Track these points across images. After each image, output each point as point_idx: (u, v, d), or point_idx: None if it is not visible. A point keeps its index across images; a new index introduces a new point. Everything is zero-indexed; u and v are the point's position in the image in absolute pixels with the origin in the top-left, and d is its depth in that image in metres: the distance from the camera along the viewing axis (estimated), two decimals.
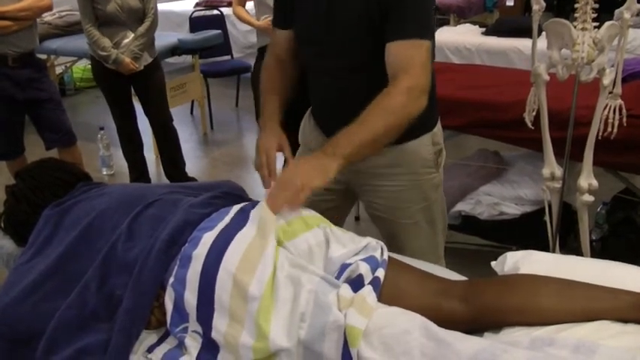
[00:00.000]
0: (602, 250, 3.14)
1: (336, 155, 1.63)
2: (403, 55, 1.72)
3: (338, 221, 1.98)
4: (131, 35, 4.01)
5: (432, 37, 1.78)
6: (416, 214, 2.01)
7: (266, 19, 4.24)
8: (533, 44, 2.50)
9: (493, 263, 1.63)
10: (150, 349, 1.49)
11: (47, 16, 5.85)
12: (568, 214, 2.95)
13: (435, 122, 2.02)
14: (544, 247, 2.63)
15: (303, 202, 1.59)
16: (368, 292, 1.40)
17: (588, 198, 2.43)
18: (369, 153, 1.75)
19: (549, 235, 2.66)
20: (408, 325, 1.30)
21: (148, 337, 1.52)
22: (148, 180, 4.59)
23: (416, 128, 1.85)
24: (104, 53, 3.93)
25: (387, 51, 1.74)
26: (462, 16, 7.82)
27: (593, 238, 3.15)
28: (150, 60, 4.14)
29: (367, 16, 1.75)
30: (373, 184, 2.02)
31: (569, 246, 3.06)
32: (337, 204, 2.14)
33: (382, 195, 2.02)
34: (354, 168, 1.91)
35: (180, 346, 1.46)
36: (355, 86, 1.88)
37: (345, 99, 1.92)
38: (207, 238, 1.49)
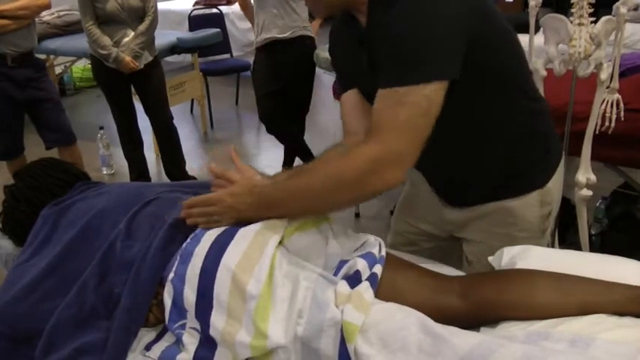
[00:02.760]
0: (602, 245, 3.14)
1: (256, 192, 1.51)
2: (377, 110, 1.39)
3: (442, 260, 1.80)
4: (131, 34, 4.01)
5: (434, 76, 1.34)
6: None
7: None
8: (530, 40, 2.51)
9: (490, 258, 1.63)
10: (148, 347, 1.50)
11: (46, 16, 5.85)
12: (567, 209, 2.95)
13: (551, 174, 1.67)
14: (551, 234, 2.63)
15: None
16: (365, 288, 1.40)
17: (586, 192, 2.44)
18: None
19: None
20: (405, 320, 1.31)
21: (146, 335, 1.53)
22: (148, 179, 4.60)
23: (519, 184, 1.64)
24: (104, 52, 3.94)
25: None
26: None
27: (593, 232, 3.15)
28: (150, 59, 4.14)
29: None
30: (468, 239, 1.80)
31: (569, 240, 3.05)
32: (441, 248, 1.92)
33: (480, 251, 1.75)
34: (447, 221, 1.80)
35: (178, 343, 1.46)
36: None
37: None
38: (210, 235, 1.49)
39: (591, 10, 2.25)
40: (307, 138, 4.47)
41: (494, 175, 1.63)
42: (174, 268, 1.48)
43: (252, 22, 4.50)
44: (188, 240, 1.51)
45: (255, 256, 1.42)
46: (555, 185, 1.69)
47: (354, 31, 1.59)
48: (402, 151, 1.36)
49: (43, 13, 4.38)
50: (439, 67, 1.35)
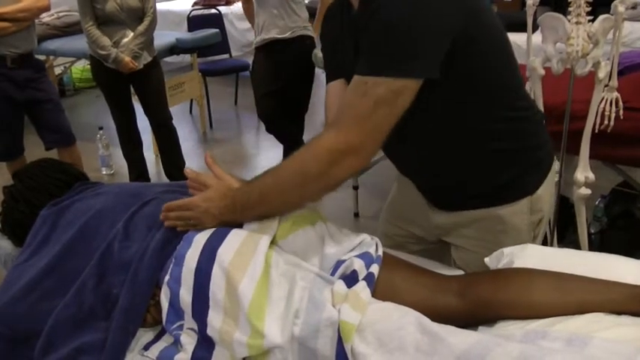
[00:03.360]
0: (601, 244, 3.14)
1: (229, 196, 1.53)
2: (344, 98, 1.40)
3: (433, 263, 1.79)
4: (130, 34, 4.02)
5: (408, 74, 1.31)
6: None
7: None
8: (528, 38, 2.51)
9: (486, 259, 1.61)
10: (146, 347, 1.50)
11: (46, 17, 5.87)
12: (566, 208, 2.95)
13: (541, 181, 1.63)
14: (543, 240, 2.63)
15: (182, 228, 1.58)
16: (362, 287, 1.40)
17: (585, 191, 2.44)
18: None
19: (547, 228, 2.66)
20: (401, 320, 1.31)
21: (145, 335, 1.53)
22: (147, 179, 4.60)
23: (507, 191, 1.60)
24: (104, 52, 3.94)
25: None
26: None
27: (592, 231, 3.15)
28: (149, 59, 4.15)
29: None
30: (455, 244, 1.78)
31: (568, 239, 3.06)
32: (430, 250, 1.90)
33: (466, 258, 1.75)
34: (434, 224, 1.77)
35: (176, 344, 1.47)
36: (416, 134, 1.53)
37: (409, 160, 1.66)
38: (201, 237, 1.50)
39: (589, 9, 2.25)
40: (306, 138, 4.48)
41: (482, 182, 1.59)
42: (169, 270, 1.48)
43: (253, 24, 4.51)
44: (181, 242, 1.51)
45: (248, 253, 1.43)
46: (546, 192, 1.65)
47: (347, 17, 1.57)
48: (360, 142, 1.35)
49: (43, 15, 4.38)
50: (416, 65, 1.31)
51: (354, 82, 1.36)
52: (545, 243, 2.59)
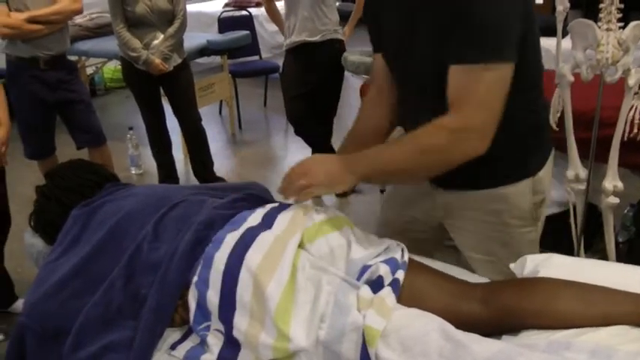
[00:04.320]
0: (629, 253, 3.11)
1: (353, 171, 1.57)
2: (458, 85, 1.48)
3: (430, 254, 1.84)
4: (160, 36, 4.06)
5: (509, 57, 1.46)
6: (502, 271, 1.74)
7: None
8: (558, 44, 2.49)
9: (512, 265, 1.62)
10: (173, 347, 1.52)
11: (78, 19, 5.94)
12: (594, 216, 2.92)
13: (541, 165, 1.74)
14: (570, 249, 2.61)
15: (304, 200, 1.61)
16: (387, 293, 1.41)
17: (613, 200, 2.41)
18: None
19: (574, 237, 2.64)
20: (426, 326, 1.31)
21: (172, 335, 1.56)
22: (176, 179, 4.64)
23: (512, 172, 1.70)
24: (134, 54, 3.99)
25: (448, 75, 1.50)
26: None
27: (620, 240, 3.12)
28: (179, 61, 4.19)
29: (442, 27, 1.50)
30: (457, 226, 1.84)
31: (595, 248, 3.03)
32: (429, 236, 1.97)
33: (467, 241, 1.83)
34: (438, 206, 1.83)
35: (203, 344, 1.49)
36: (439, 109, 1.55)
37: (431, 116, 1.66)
38: (230, 239, 1.52)
39: (620, 15, 2.23)
40: (334, 141, 4.48)
41: (493, 161, 1.58)
42: (197, 272, 1.50)
43: (279, 26, 4.52)
44: (210, 244, 1.53)
45: (276, 257, 1.44)
46: (546, 175, 1.75)
47: None
48: (481, 123, 1.48)
49: (76, 16, 4.44)
50: (512, 50, 1.46)
51: (466, 70, 1.46)
52: (571, 250, 2.59)
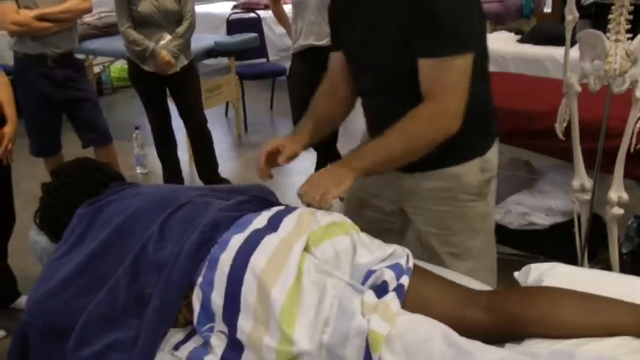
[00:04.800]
0: (633, 264, 3.10)
1: (352, 167, 1.71)
2: (430, 76, 1.68)
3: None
4: (167, 37, 4.06)
5: (470, 48, 1.67)
6: (459, 244, 1.95)
7: None
8: (566, 54, 2.49)
9: (516, 274, 1.63)
10: (176, 347, 1.52)
11: (86, 17, 5.95)
12: (598, 227, 2.92)
13: (489, 146, 1.93)
14: (573, 258, 2.61)
15: (325, 206, 1.67)
16: (392, 298, 1.42)
17: (618, 211, 2.41)
18: (386, 169, 1.81)
19: (578, 247, 2.64)
20: (429, 332, 1.32)
21: (175, 335, 1.56)
22: (181, 180, 4.64)
23: (463, 152, 1.86)
24: (140, 48, 3.98)
25: (418, 67, 1.70)
26: (498, 22, 7.75)
27: (624, 251, 3.11)
28: (185, 62, 4.19)
29: (401, 30, 1.69)
30: (419, 206, 1.97)
31: (599, 258, 3.02)
32: (396, 227, 2.12)
33: (427, 219, 1.97)
34: (405, 190, 1.96)
35: (206, 345, 1.49)
36: (400, 104, 1.74)
37: (391, 113, 1.79)
38: (236, 241, 1.52)
39: (629, 27, 2.23)
40: (340, 146, 4.48)
41: (453, 142, 1.73)
42: (202, 273, 1.51)
43: (286, 28, 4.52)
44: (215, 246, 1.54)
45: (281, 261, 1.45)
46: (493, 156, 1.94)
47: None
48: (454, 107, 1.68)
49: (84, 15, 4.45)
50: (474, 40, 1.70)
51: (436, 62, 1.65)
52: (574, 260, 2.58)
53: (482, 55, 1.80)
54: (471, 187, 1.89)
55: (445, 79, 1.66)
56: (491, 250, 2.05)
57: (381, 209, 2.09)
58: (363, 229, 1.67)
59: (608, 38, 2.24)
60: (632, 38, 2.23)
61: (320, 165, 4.58)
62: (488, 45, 1.87)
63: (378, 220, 2.08)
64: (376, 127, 1.94)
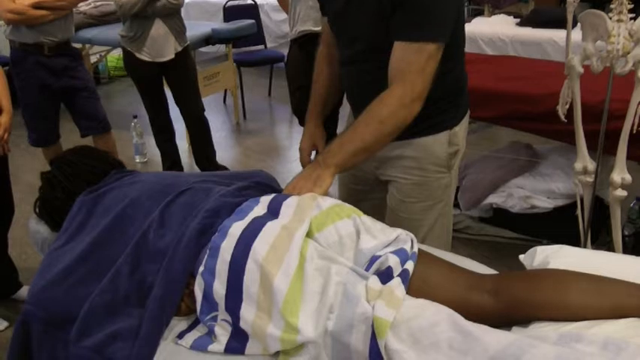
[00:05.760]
0: (635, 246, 3.10)
1: (328, 164, 1.77)
2: (403, 59, 1.74)
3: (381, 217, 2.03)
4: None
5: (443, 36, 1.74)
6: (419, 212, 2.04)
7: None
8: (568, 36, 2.47)
9: (521, 257, 1.62)
10: (180, 336, 1.51)
11: (82, 6, 5.93)
12: (601, 209, 2.91)
13: (458, 121, 2.01)
14: (576, 241, 2.60)
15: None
16: (396, 284, 1.40)
17: (621, 193, 2.40)
18: (362, 159, 1.83)
19: (581, 229, 2.63)
20: (435, 317, 1.31)
21: (179, 324, 1.55)
22: (180, 168, 4.64)
23: (434, 124, 1.95)
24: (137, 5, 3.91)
25: (393, 48, 1.76)
26: (496, 6, 7.71)
27: (626, 233, 3.10)
28: (180, 48, 4.17)
29: (381, 6, 1.74)
30: (389, 174, 2.06)
31: (602, 241, 3.02)
32: (379, 196, 2.17)
33: (395, 186, 2.05)
34: (378, 157, 2.02)
35: (210, 334, 1.48)
36: (375, 71, 1.85)
37: (367, 85, 1.93)
38: (236, 229, 1.50)
39: (631, 6, 2.21)
40: (340, 132, 4.47)
41: (420, 115, 1.79)
42: (204, 262, 1.49)
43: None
44: (216, 234, 1.52)
45: (282, 248, 1.43)
46: (461, 131, 2.02)
47: None
48: (420, 90, 1.73)
49: (80, 4, 4.42)
50: (448, 32, 1.75)
51: (410, 46, 1.72)
52: (577, 242, 2.58)
53: (457, 42, 1.89)
54: (438, 159, 1.98)
55: (416, 62, 1.72)
56: (448, 220, 2.14)
57: (366, 181, 2.18)
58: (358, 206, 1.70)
59: (610, 18, 2.22)
60: (634, 18, 2.21)
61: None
62: (465, 31, 1.97)
63: (365, 192, 2.20)
64: (350, 95, 2.13)
